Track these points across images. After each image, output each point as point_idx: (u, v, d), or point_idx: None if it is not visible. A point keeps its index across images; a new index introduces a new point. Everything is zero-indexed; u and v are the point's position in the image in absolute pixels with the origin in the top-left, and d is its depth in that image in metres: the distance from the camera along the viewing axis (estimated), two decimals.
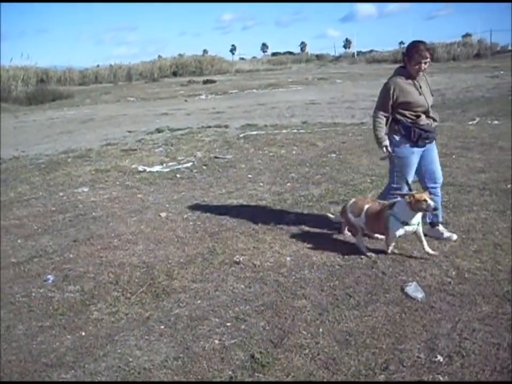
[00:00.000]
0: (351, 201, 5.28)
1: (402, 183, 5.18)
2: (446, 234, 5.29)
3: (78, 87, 39.01)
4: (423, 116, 5.10)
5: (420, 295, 4.12)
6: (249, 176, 8.39)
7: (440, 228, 5.36)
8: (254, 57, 78.44)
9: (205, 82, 35.72)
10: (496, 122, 12.82)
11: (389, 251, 4.95)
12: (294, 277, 4.59)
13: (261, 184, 7.80)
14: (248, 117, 15.99)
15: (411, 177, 5.23)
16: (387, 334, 3.60)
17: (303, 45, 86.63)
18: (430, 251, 4.83)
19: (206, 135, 12.99)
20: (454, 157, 8.95)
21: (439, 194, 5.38)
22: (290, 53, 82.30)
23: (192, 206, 6.90)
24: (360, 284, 4.38)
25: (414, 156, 5.15)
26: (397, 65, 5.33)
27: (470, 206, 6.24)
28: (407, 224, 4.73)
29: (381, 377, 3.13)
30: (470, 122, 12.95)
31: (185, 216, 6.47)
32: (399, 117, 5.10)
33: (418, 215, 4.76)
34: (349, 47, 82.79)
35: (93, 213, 6.85)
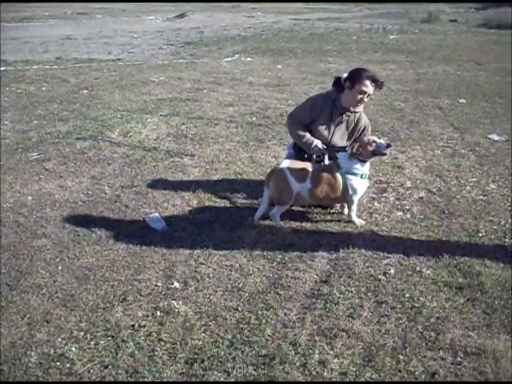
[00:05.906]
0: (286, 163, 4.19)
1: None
2: None
3: None
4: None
5: (160, 225, 4.17)
6: None
7: None
8: None
9: None
10: (249, 59, 13.38)
11: (358, 222, 4.24)
12: (35, 216, 4.35)
13: (6, 122, 7.21)
14: None
15: None
16: (126, 266, 3.60)
17: None
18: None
19: None
20: (205, 91, 9.19)
21: None
22: None
23: None
24: (104, 219, 4.31)
25: None
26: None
27: (216, 138, 6.46)
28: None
29: (119, 308, 3.13)
30: (225, 59, 13.34)
31: None
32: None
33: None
34: None
35: None
